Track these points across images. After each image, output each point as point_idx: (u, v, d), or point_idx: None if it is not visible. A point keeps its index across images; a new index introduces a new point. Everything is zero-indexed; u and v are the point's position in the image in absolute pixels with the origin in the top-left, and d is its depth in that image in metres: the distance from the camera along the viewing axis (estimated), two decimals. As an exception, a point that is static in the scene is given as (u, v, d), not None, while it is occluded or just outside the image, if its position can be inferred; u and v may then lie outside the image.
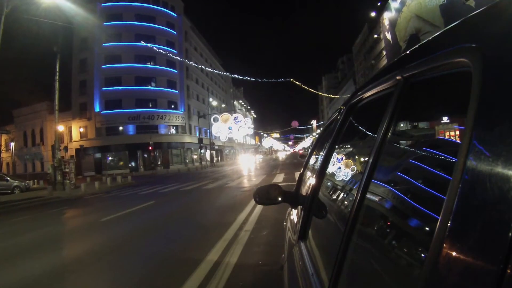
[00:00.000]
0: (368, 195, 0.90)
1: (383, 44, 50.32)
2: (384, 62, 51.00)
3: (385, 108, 0.86)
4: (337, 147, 1.58)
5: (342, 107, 1.56)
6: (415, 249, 0.68)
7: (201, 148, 42.36)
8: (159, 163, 42.83)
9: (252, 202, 7.89)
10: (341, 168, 1.59)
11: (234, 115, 42.98)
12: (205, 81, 58.91)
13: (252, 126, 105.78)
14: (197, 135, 47.92)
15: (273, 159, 52.94)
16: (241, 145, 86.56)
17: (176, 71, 46.02)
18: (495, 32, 0.50)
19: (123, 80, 42.31)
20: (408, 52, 0.86)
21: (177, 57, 42.59)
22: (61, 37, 21.05)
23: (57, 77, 20.94)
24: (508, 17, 0.50)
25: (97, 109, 42.14)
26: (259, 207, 8.03)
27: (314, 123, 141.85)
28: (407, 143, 1.12)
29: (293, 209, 2.32)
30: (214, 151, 54.26)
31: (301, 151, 58.07)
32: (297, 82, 32.83)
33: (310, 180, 1.96)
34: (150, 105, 42.74)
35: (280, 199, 1.82)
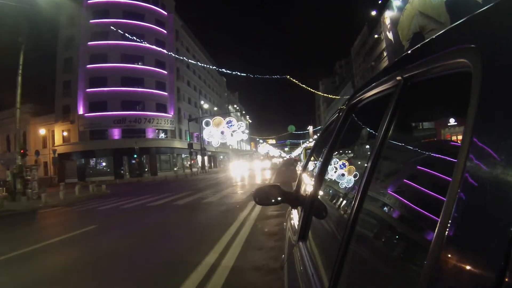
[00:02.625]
0: (368, 196, 0.90)
1: (384, 44, 48.25)
2: (385, 63, 48.85)
3: (385, 108, 0.86)
4: (337, 147, 1.59)
5: (342, 107, 1.55)
6: (415, 249, 0.68)
7: (191, 153, 39.52)
8: (146, 169, 39.98)
9: (233, 229, 6.47)
10: (341, 168, 1.63)
11: (227, 119, 40.40)
12: (197, 83, 56.33)
13: (247, 131, 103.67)
14: (188, 140, 45.21)
15: (268, 166, 50.52)
16: (236, 151, 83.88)
17: (166, 72, 43.42)
18: (495, 32, 0.50)
19: (109, 80, 39.65)
20: (408, 52, 0.85)
21: (172, 54, 39.89)
22: (26, 26, 18.36)
23: (20, 71, 18.33)
24: (508, 17, 0.49)
25: (80, 111, 39.40)
26: (241, 238, 5.60)
27: (310, 128, 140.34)
28: (407, 144, 1.08)
29: (293, 210, 2.34)
30: (206, 157, 51.51)
31: (297, 157, 57.15)
32: (293, 80, 30.65)
33: (310, 181, 1.99)
34: (137, 108, 40.08)
35: (280, 199, 1.83)
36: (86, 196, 18.27)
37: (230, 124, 39.97)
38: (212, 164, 60.51)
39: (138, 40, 39.73)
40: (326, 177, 1.69)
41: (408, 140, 1.07)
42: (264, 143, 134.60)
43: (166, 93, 42.86)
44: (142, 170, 39.33)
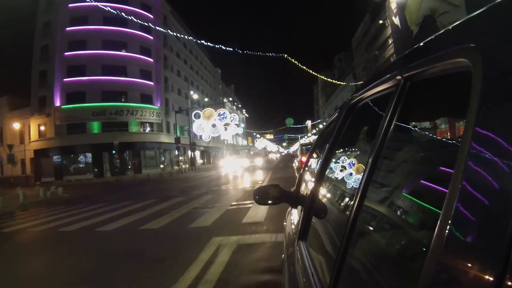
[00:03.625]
0: (368, 195, 0.90)
1: (389, 31, 44.76)
2: (390, 51, 45.36)
3: (385, 108, 0.86)
4: (337, 147, 1.59)
5: (342, 106, 1.56)
6: (415, 249, 0.69)
7: (178, 149, 35.66)
8: (129, 167, 36.36)
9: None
10: (341, 168, 1.63)
11: (219, 111, 36.72)
12: (188, 74, 52.56)
13: (243, 125, 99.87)
14: (178, 134, 41.47)
15: (264, 162, 47.04)
16: (232, 147, 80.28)
17: (152, 60, 39.66)
18: (495, 32, 0.50)
19: (88, 69, 35.90)
20: (408, 52, 0.86)
21: (155, 38, 36.12)
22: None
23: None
24: (508, 17, 0.49)
25: (57, 103, 35.70)
26: None
27: (309, 123, 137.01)
28: (407, 143, 1.09)
29: (293, 209, 2.32)
30: (195, 153, 47.71)
31: (295, 153, 51.65)
32: (291, 60, 27.26)
33: (310, 180, 1.97)
34: (119, 99, 36.30)
35: (280, 199, 1.83)
36: (33, 202, 14.73)
37: (222, 117, 36.30)
38: (206, 160, 56.92)
39: (120, 25, 36.46)
40: (326, 177, 1.71)
41: (408, 139, 1.07)
42: (262, 138, 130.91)
43: (152, 83, 39.13)
44: (124, 167, 35.74)
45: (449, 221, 0.43)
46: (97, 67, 36.04)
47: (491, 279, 0.34)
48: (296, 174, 15.41)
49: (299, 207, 1.98)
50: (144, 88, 37.98)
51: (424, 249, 0.50)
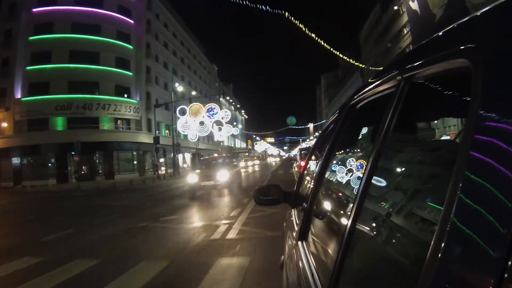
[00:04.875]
0: (368, 196, 0.90)
1: (404, 19, 39.36)
2: (405, 42, 39.83)
3: (386, 108, 0.86)
4: (337, 148, 1.58)
5: (342, 107, 1.55)
6: (415, 249, 0.69)
7: (157, 150, 29.73)
8: (100, 171, 30.67)
9: None
10: (341, 168, 1.64)
11: (207, 106, 31.22)
12: (178, 67, 46.99)
13: (240, 126, 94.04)
14: (163, 133, 35.80)
15: (261, 167, 41.32)
16: (228, 149, 74.59)
17: (132, 47, 34.13)
18: (495, 32, 0.50)
19: (54, 55, 30.45)
20: (408, 52, 0.88)
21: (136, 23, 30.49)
22: None
23: None
24: (508, 17, 0.49)
25: (18, 95, 30.23)
26: None
27: (311, 126, 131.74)
28: (408, 144, 1.10)
29: (293, 210, 2.32)
30: (181, 155, 41.91)
31: (295, 156, 48.02)
32: (292, 19, 22.93)
33: (310, 180, 1.96)
34: (89, 91, 30.64)
35: (280, 199, 1.83)
36: None
37: (211, 113, 30.82)
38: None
39: (95, 5, 31.19)
40: (326, 178, 1.68)
41: (409, 139, 1.07)
42: (262, 140, 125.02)
43: (130, 73, 33.54)
44: (94, 172, 30.11)
45: (450, 221, 0.43)
46: (64, 53, 30.56)
47: (491, 281, 0.34)
48: (295, 176, 14.63)
49: (299, 208, 1.99)
50: (120, 79, 32.34)
51: (424, 249, 0.51)
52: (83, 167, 30.06)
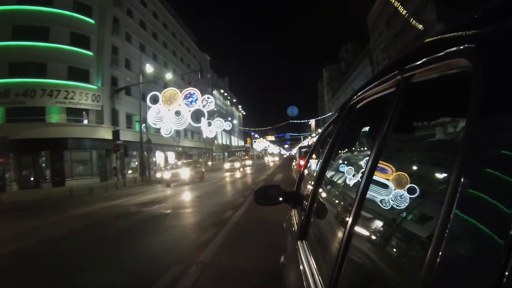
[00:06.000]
0: (368, 196, 0.91)
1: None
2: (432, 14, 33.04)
3: (386, 108, 0.87)
4: (337, 147, 1.59)
5: (342, 107, 1.56)
6: (415, 249, 0.70)
7: (117, 149, 22.60)
8: (47, 176, 23.92)
9: None
10: (341, 168, 1.64)
11: (185, 91, 24.49)
12: (158, 51, 40.27)
13: (236, 121, 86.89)
14: (137, 128, 28.87)
15: (254, 170, 34.62)
16: (224, 148, 67.97)
17: (93, 21, 27.38)
18: (495, 32, 0.50)
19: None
20: (408, 52, 0.87)
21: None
22: None
23: None
24: (508, 17, 0.49)
25: None
26: None
27: (312, 123, 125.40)
28: (408, 144, 1.10)
29: (293, 209, 2.27)
30: (160, 155, 35.09)
31: (294, 155, 43.42)
32: None
33: (311, 180, 1.94)
34: (34, 74, 23.84)
35: (280, 199, 1.86)
36: None
37: (190, 100, 24.10)
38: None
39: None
40: (326, 178, 1.70)
41: (408, 140, 1.08)
42: (261, 138, 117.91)
43: (90, 52, 26.75)
44: (39, 177, 23.40)
45: (449, 221, 0.43)
46: (6, 28, 23.86)
47: (491, 281, 0.34)
48: (295, 176, 13.65)
49: (299, 207, 2.00)
50: (75, 59, 25.43)
51: (425, 249, 0.50)
52: (23, 172, 23.33)
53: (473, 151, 0.44)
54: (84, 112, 25.90)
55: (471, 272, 0.38)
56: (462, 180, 0.43)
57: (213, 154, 62.05)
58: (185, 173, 20.06)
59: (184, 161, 24.40)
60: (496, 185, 0.39)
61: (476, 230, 0.39)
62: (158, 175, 20.43)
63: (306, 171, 2.86)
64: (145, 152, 25.69)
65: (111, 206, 12.14)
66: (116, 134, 22.06)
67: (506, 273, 0.33)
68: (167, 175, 19.87)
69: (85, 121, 25.96)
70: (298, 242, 1.63)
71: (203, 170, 23.13)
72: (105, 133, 25.87)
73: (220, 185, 18.27)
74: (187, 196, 14.25)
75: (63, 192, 18.49)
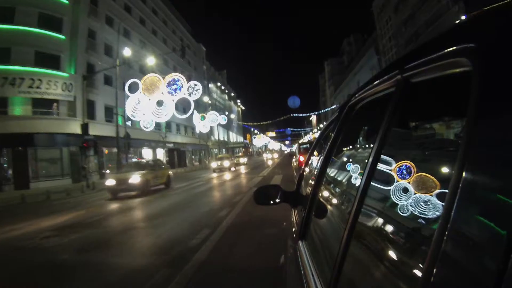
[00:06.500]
0: (368, 195, 0.91)
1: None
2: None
3: (385, 108, 0.87)
4: (337, 148, 1.58)
5: (342, 107, 1.55)
6: (415, 249, 0.70)
7: (87, 146, 19.02)
8: (9, 177, 20.74)
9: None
10: (342, 168, 1.64)
11: (168, 78, 21.22)
12: (148, 39, 37.04)
13: (233, 116, 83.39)
14: (119, 122, 25.53)
15: (250, 168, 31.40)
16: (221, 144, 64.74)
17: (66, 1, 24.09)
18: (495, 32, 0.50)
19: None
20: (408, 52, 0.87)
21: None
22: None
23: None
24: (508, 17, 0.50)
25: None
26: None
27: (314, 118, 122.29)
28: (408, 144, 1.11)
29: (293, 209, 2.29)
30: (150, 152, 31.88)
31: (294, 151, 41.00)
32: None
33: (310, 180, 1.94)
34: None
35: (280, 199, 1.82)
36: None
37: (174, 88, 20.85)
38: (177, 163, 41.38)
39: None
40: (326, 178, 1.68)
41: (408, 139, 1.09)
42: (260, 134, 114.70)
43: (62, 36, 23.49)
44: (0, 177, 20.24)
45: (450, 221, 0.43)
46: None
47: (491, 281, 0.34)
48: (295, 173, 13.11)
49: (300, 207, 1.99)
50: (43, 43, 22.14)
51: (425, 249, 0.49)
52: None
53: (473, 150, 0.44)
54: (54, 104, 22.73)
55: (471, 271, 0.38)
56: (462, 179, 0.43)
57: (210, 150, 58.82)
58: (135, 178, 13.77)
59: (138, 161, 19.67)
60: (496, 184, 0.39)
61: (476, 230, 0.39)
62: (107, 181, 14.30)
63: (307, 169, 2.88)
64: (118, 150, 22.19)
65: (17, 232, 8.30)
66: (85, 127, 18.85)
67: (507, 273, 0.33)
68: (110, 181, 13.97)
69: (54, 114, 22.75)
70: (298, 241, 1.64)
71: (170, 173, 17.51)
72: (79, 127, 22.62)
73: (190, 195, 13.04)
74: (125, 218, 9.21)
75: (15, 198, 15.34)
